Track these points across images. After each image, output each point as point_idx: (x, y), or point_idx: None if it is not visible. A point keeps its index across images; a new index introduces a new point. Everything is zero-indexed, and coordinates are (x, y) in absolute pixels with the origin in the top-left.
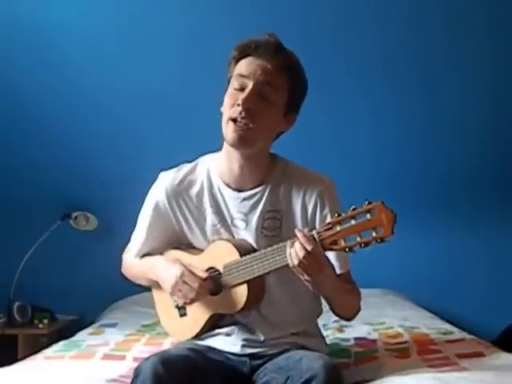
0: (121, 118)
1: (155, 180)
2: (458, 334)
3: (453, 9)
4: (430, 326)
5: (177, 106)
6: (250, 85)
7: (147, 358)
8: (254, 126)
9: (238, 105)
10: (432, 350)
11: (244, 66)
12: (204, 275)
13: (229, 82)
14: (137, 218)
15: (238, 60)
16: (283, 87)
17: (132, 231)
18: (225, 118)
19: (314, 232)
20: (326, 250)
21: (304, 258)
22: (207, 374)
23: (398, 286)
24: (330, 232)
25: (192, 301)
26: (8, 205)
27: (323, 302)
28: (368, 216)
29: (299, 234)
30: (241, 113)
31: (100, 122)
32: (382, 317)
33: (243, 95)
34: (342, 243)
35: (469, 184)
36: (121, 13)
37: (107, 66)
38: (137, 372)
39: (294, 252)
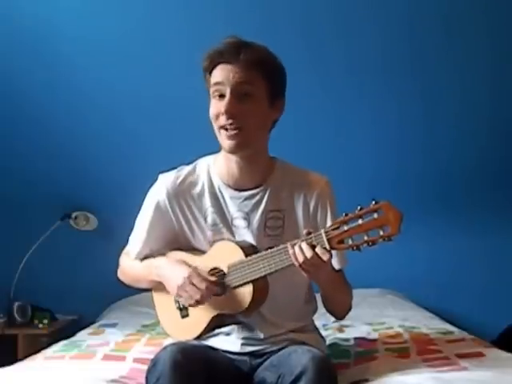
0: (121, 119)
1: (155, 181)
2: (457, 333)
3: (452, 11)
4: (430, 326)
5: (177, 106)
6: (227, 90)
7: (165, 348)
8: (245, 127)
9: (223, 114)
10: (432, 350)
11: (216, 74)
12: (212, 278)
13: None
14: (137, 218)
15: (210, 70)
16: (258, 79)
17: (132, 231)
18: (215, 128)
19: (321, 231)
20: (333, 248)
21: (311, 258)
22: (217, 366)
23: (397, 286)
24: (338, 231)
25: (197, 302)
26: (8, 205)
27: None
28: (375, 215)
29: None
30: (227, 119)
31: (100, 123)
32: (382, 317)
33: (224, 102)
34: (350, 242)
35: (468, 185)
36: (122, 13)
37: (107, 67)
38: (155, 360)
39: (299, 249)
